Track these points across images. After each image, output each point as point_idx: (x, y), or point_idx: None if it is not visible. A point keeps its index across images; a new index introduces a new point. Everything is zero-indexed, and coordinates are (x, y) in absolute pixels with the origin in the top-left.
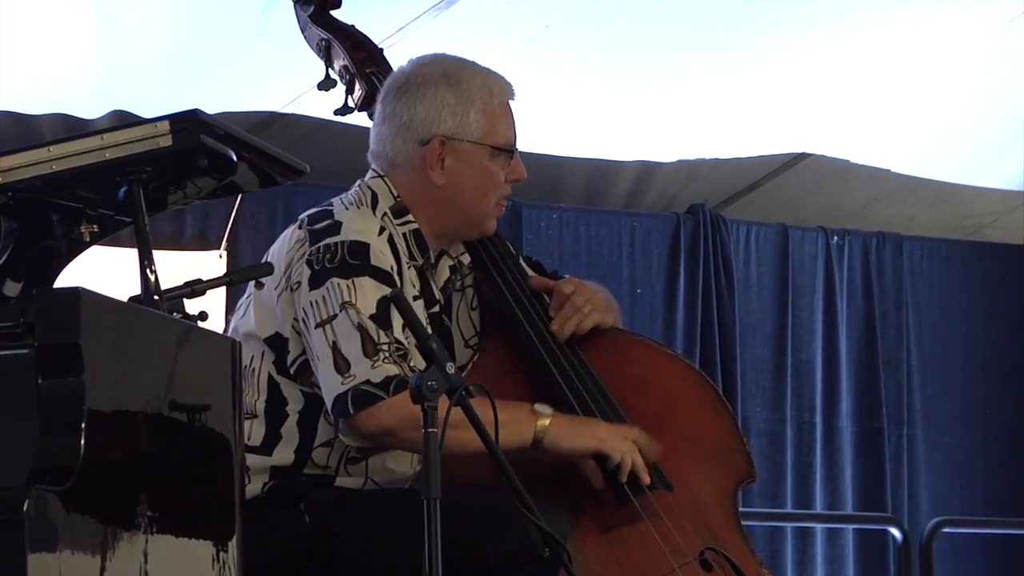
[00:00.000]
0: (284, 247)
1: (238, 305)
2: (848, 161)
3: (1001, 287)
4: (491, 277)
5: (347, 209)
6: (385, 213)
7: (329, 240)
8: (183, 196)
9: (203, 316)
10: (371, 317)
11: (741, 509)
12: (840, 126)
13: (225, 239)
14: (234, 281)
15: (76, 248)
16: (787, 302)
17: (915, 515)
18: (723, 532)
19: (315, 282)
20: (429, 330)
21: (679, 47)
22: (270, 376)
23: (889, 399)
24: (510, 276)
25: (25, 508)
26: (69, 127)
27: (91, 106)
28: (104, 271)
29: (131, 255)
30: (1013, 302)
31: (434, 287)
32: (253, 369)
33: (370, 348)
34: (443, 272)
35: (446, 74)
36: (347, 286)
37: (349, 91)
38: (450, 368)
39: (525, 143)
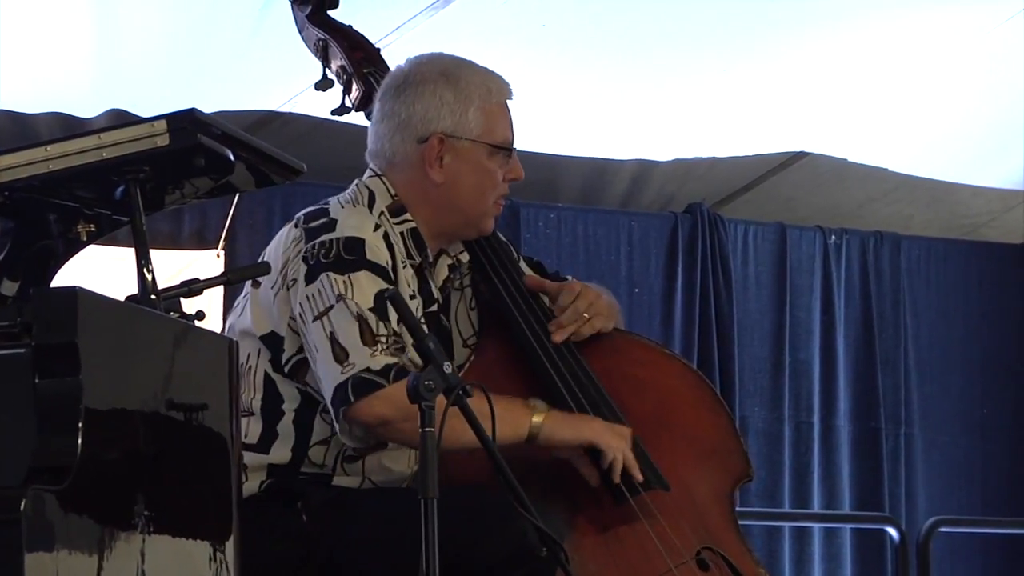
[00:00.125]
0: (280, 246)
1: (235, 304)
2: (846, 160)
3: (999, 287)
4: (488, 277)
5: (343, 207)
6: (382, 212)
7: (325, 237)
8: (180, 195)
9: (200, 315)
10: (370, 310)
11: (738, 509)
12: (838, 125)
13: (222, 238)
14: (231, 280)
15: (73, 247)
16: (785, 301)
17: (912, 515)
18: (720, 532)
19: (311, 278)
20: (425, 329)
21: (676, 46)
22: (266, 374)
23: (887, 399)
24: (507, 276)
25: (22, 507)
26: (66, 126)
27: (88, 105)
28: (101, 270)
29: (128, 254)
30: (1011, 302)
31: (432, 286)
32: (250, 367)
33: (368, 337)
34: (442, 271)
35: (445, 72)
36: (343, 281)
37: (346, 91)
38: (447, 367)
39: (522, 142)
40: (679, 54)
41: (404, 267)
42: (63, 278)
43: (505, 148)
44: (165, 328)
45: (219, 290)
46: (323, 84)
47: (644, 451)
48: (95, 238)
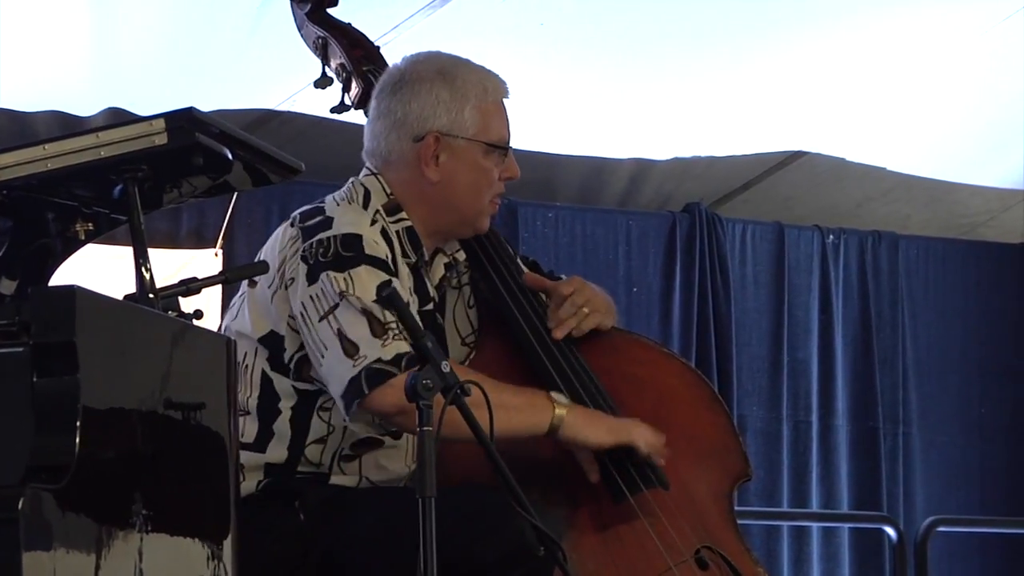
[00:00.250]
0: (277, 245)
1: (231, 304)
2: (844, 159)
3: (997, 286)
4: (487, 275)
5: (338, 205)
6: (377, 210)
7: (322, 235)
8: (178, 194)
9: (198, 314)
10: (373, 302)
11: (737, 508)
12: (836, 124)
13: (221, 237)
14: (229, 279)
15: (71, 246)
16: (783, 301)
17: (911, 514)
18: (719, 531)
19: (311, 277)
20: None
21: (674, 45)
22: (263, 372)
23: (885, 398)
24: (506, 274)
25: (20, 506)
26: (64, 125)
27: (87, 104)
28: (99, 269)
29: (126, 253)
30: (1009, 301)
31: (429, 285)
32: (246, 366)
33: (378, 328)
34: (438, 270)
35: (441, 71)
36: (344, 278)
37: (346, 89)
38: (445, 366)
39: (520, 141)
40: (677, 53)
41: (402, 265)
42: (61, 277)
43: (501, 147)
44: (163, 327)
45: (217, 289)
46: (322, 82)
47: None
48: (93, 237)
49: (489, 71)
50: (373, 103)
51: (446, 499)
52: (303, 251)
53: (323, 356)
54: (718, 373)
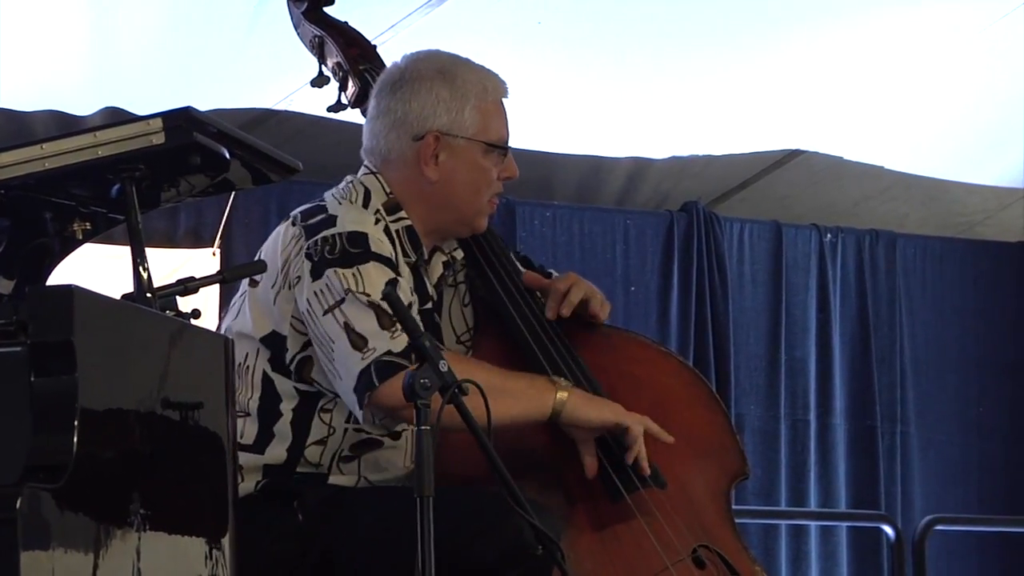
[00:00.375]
0: (279, 244)
1: (231, 304)
2: (841, 158)
3: (995, 285)
4: (484, 273)
5: (340, 204)
6: (378, 209)
7: (327, 233)
8: (176, 194)
9: (196, 314)
10: (381, 298)
11: (735, 507)
12: (833, 123)
13: (218, 237)
14: (227, 279)
15: (69, 246)
16: (780, 300)
17: (908, 513)
18: (716, 529)
19: (316, 273)
20: (422, 328)
21: (672, 44)
22: (264, 373)
23: (883, 397)
24: (504, 272)
25: (18, 506)
26: (62, 124)
27: (84, 103)
28: (97, 269)
29: (124, 253)
30: (1007, 300)
31: (427, 284)
32: (247, 367)
33: (386, 321)
34: (436, 268)
35: (441, 70)
36: (351, 275)
37: (342, 88)
38: (443, 366)
39: (518, 140)
40: (675, 52)
41: (401, 265)
42: (59, 276)
43: (500, 146)
44: (161, 326)
45: (215, 288)
46: (319, 81)
47: None
48: (91, 236)
49: (489, 70)
50: (372, 101)
51: (444, 498)
52: (307, 248)
53: (332, 350)
54: (716, 372)
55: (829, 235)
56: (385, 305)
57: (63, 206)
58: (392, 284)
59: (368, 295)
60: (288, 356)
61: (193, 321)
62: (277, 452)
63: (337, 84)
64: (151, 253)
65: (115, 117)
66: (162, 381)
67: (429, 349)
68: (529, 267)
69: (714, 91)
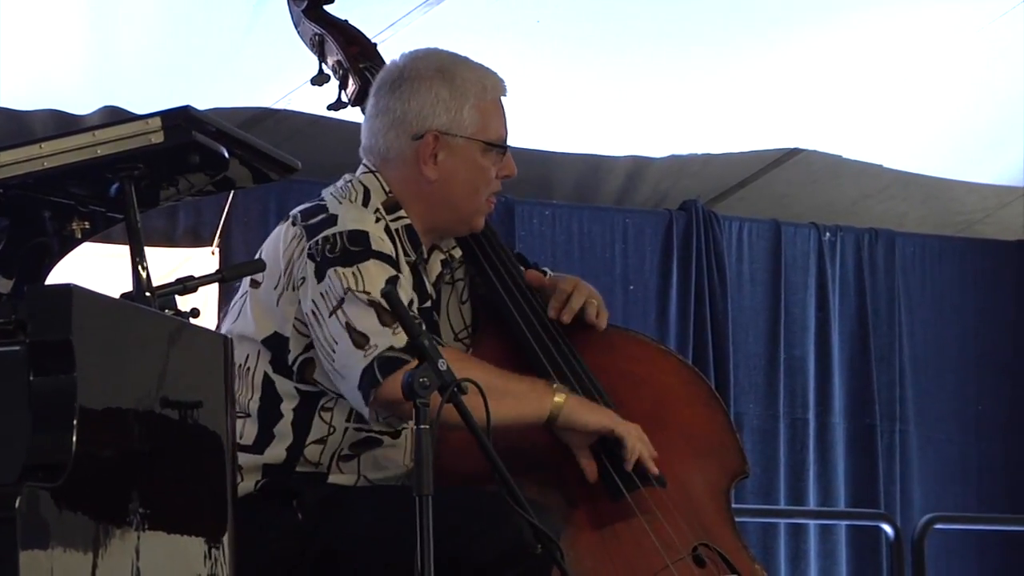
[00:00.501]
0: (280, 245)
1: (231, 305)
2: (840, 157)
3: (993, 283)
4: (485, 272)
5: (340, 203)
6: (378, 208)
7: (328, 232)
8: (175, 193)
9: (195, 313)
10: (382, 295)
11: (734, 505)
12: (832, 122)
13: (217, 236)
14: (226, 278)
15: (68, 245)
16: (780, 298)
17: (908, 512)
18: (716, 528)
19: (319, 274)
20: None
21: (671, 42)
22: (265, 375)
23: (882, 395)
24: (504, 271)
25: (17, 505)
26: (61, 123)
27: (83, 102)
28: (96, 268)
29: (123, 252)
30: (1005, 298)
31: (426, 282)
32: (248, 368)
33: (387, 318)
34: (435, 267)
35: (440, 69)
36: (352, 273)
37: (343, 86)
38: (442, 364)
39: (516, 139)
40: (673, 50)
41: (402, 264)
42: (58, 276)
43: (499, 146)
44: (160, 325)
45: (214, 287)
46: (319, 79)
47: None
48: (90, 235)
49: (488, 69)
50: (371, 100)
51: (444, 497)
52: (309, 249)
53: (334, 352)
54: (715, 370)
55: (828, 234)
56: (385, 303)
57: (62, 205)
58: (393, 282)
59: (368, 293)
60: (290, 357)
61: (192, 320)
62: (276, 452)
63: (337, 82)
64: (150, 252)
65: (114, 116)
66: (161, 380)
67: (428, 348)
68: (523, 264)
69: (713, 90)
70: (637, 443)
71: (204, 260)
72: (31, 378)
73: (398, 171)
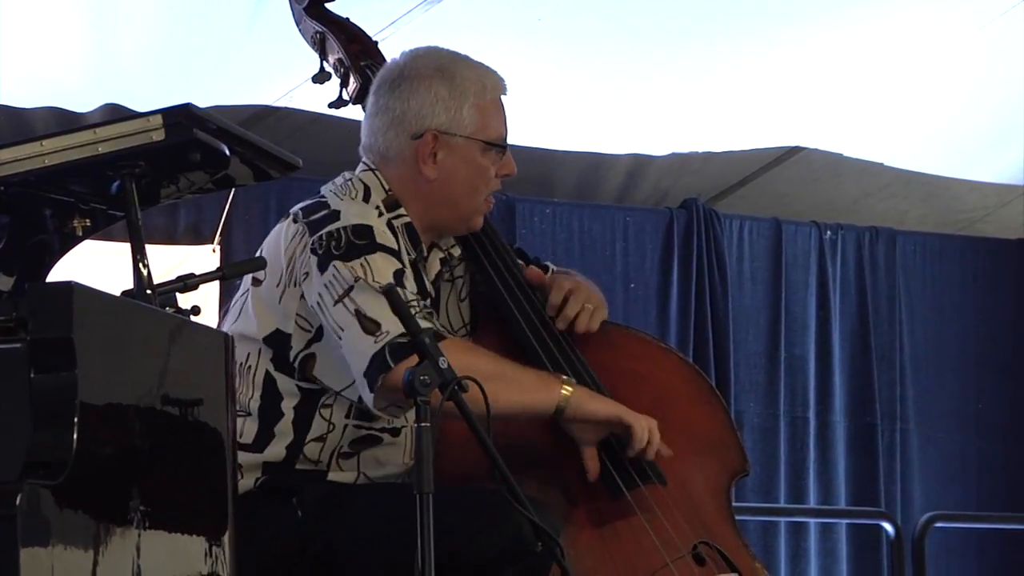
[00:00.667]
0: (281, 242)
1: (231, 304)
2: (841, 155)
3: (994, 282)
4: (485, 270)
5: (341, 199)
6: (378, 206)
7: (331, 227)
8: (176, 190)
9: (196, 310)
10: (391, 285)
11: (734, 504)
12: (833, 120)
13: (218, 233)
14: (227, 276)
15: (69, 242)
16: (780, 297)
17: (908, 510)
18: (716, 526)
19: (323, 267)
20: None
21: (672, 40)
22: (267, 373)
23: (882, 394)
24: (504, 269)
25: (18, 503)
26: (61, 121)
27: (84, 100)
28: (97, 265)
29: (124, 249)
30: (1006, 297)
31: (426, 280)
32: (249, 367)
33: None
34: (434, 265)
35: (440, 68)
36: (359, 264)
37: (344, 84)
38: (443, 363)
39: (517, 137)
40: (674, 48)
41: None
42: (59, 273)
43: (499, 145)
44: (161, 323)
45: (215, 285)
46: (320, 77)
47: None
48: (91, 233)
49: (488, 68)
50: (371, 98)
51: (444, 495)
52: (313, 244)
53: (339, 338)
54: (715, 369)
55: (829, 232)
56: (398, 290)
57: (63, 203)
58: (399, 275)
59: (378, 282)
60: (292, 354)
61: (193, 318)
62: (276, 450)
63: (338, 80)
64: (151, 250)
65: (115, 114)
66: (162, 377)
67: (429, 346)
68: (524, 259)
69: (714, 88)
70: (645, 431)
71: (205, 258)
72: (32, 376)
73: (397, 170)
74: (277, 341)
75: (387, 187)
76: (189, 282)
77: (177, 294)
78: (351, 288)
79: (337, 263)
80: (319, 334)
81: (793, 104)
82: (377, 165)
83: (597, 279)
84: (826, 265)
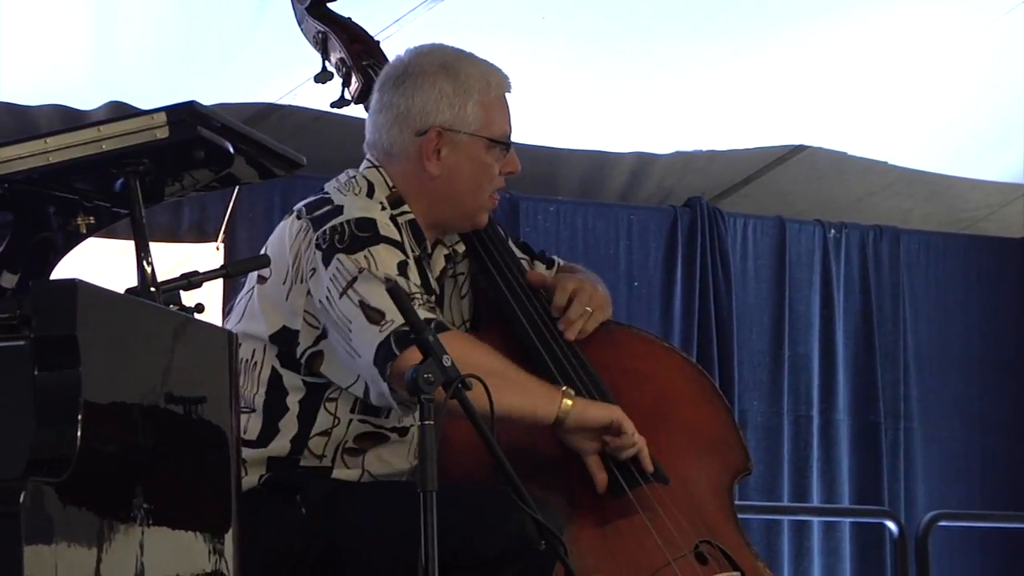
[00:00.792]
0: (286, 239)
1: (235, 302)
2: (845, 153)
3: (998, 281)
4: (488, 270)
5: (344, 195)
6: (382, 202)
7: (335, 222)
8: (180, 188)
9: (199, 308)
10: (397, 276)
11: (737, 502)
12: (837, 118)
13: (222, 231)
14: (231, 273)
15: (73, 240)
16: (784, 295)
17: (912, 509)
18: (719, 525)
19: (327, 261)
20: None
21: (676, 39)
22: (273, 369)
23: (886, 393)
24: (506, 269)
25: (21, 500)
26: (66, 118)
27: (88, 97)
28: (101, 263)
29: (128, 247)
30: (1010, 296)
31: (430, 277)
32: (255, 363)
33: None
34: (438, 262)
35: (444, 65)
36: (363, 256)
37: (346, 83)
38: (447, 360)
39: (521, 135)
40: (678, 47)
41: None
42: (62, 270)
43: (503, 142)
44: (164, 321)
45: (219, 283)
46: (322, 77)
47: None
48: (94, 230)
49: (492, 65)
50: (376, 95)
51: (447, 493)
52: (317, 239)
53: (349, 331)
54: (719, 367)
55: (833, 231)
56: (401, 281)
57: (67, 200)
58: (403, 266)
59: (383, 272)
60: (299, 350)
61: (197, 315)
62: (281, 444)
63: (340, 80)
64: (154, 248)
65: (119, 111)
66: (166, 375)
67: (432, 343)
68: (529, 254)
69: (718, 86)
70: (636, 438)
71: (208, 256)
72: (36, 373)
73: (401, 167)
74: (284, 338)
75: (391, 184)
76: (193, 280)
77: (181, 292)
78: (355, 279)
79: (341, 256)
80: (326, 331)
81: (797, 102)
82: (381, 162)
83: (600, 278)
84: (830, 263)
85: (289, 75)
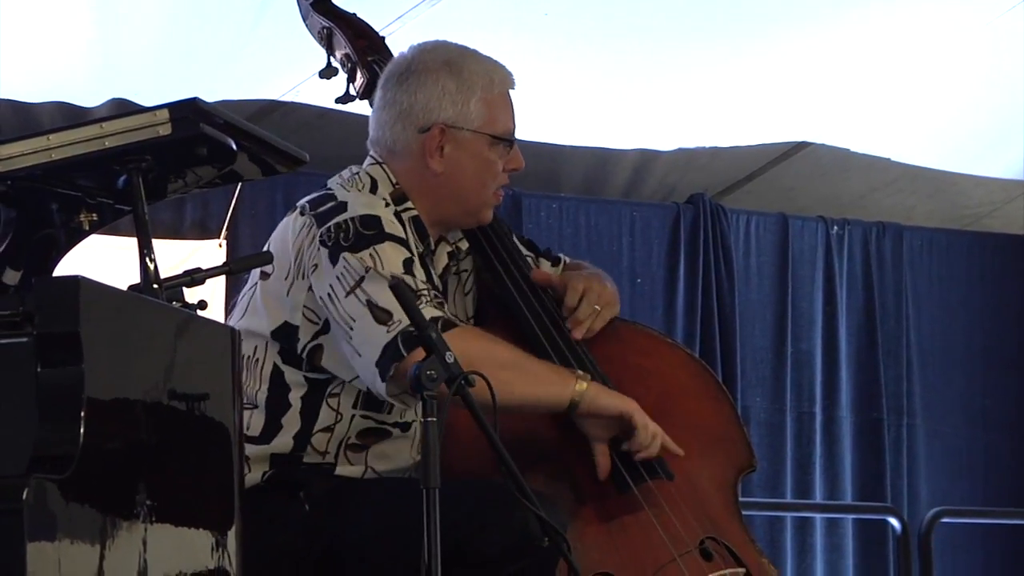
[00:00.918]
0: (289, 235)
1: (238, 298)
2: (848, 150)
3: (1000, 277)
4: (493, 267)
5: (348, 191)
6: (385, 198)
7: (339, 219)
8: (183, 185)
9: (202, 305)
10: (404, 274)
11: (741, 499)
12: (840, 115)
13: (225, 228)
14: (234, 270)
15: (75, 237)
16: (787, 292)
17: (914, 505)
18: (723, 521)
19: (333, 259)
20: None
21: (679, 36)
22: (275, 365)
23: (889, 389)
24: (512, 266)
25: (24, 497)
26: (68, 115)
27: (90, 94)
28: (103, 260)
29: (130, 244)
30: (1012, 292)
31: (434, 274)
32: (257, 360)
33: (410, 294)
34: (441, 259)
35: (448, 62)
36: (369, 255)
37: (351, 79)
38: (449, 357)
39: (524, 132)
40: (681, 44)
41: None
42: (65, 267)
43: (506, 139)
44: (167, 317)
45: (221, 280)
46: (327, 72)
47: None
48: (97, 227)
49: (495, 62)
50: (379, 92)
51: (450, 490)
52: (321, 236)
53: (351, 329)
54: (722, 364)
55: (836, 227)
56: (408, 280)
57: (70, 197)
58: (408, 264)
59: (389, 271)
60: (300, 345)
61: (200, 312)
62: (284, 440)
63: (345, 75)
64: (157, 244)
65: (121, 108)
66: (168, 372)
67: (436, 341)
68: (534, 251)
69: (721, 83)
70: (651, 437)
71: (211, 252)
72: (39, 370)
73: (405, 163)
74: (285, 334)
75: (394, 181)
76: (196, 276)
77: (184, 288)
78: (362, 279)
79: (347, 254)
80: (326, 327)
81: (800, 99)
82: (384, 159)
83: None
84: (833, 260)
85: (292, 72)
